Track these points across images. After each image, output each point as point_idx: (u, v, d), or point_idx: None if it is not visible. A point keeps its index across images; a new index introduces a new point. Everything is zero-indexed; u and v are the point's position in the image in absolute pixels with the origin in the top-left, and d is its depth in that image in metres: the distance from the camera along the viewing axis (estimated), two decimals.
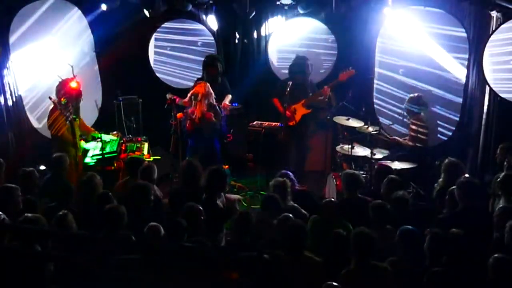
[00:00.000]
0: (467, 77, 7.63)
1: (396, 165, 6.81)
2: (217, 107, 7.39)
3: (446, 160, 5.98)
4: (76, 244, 4.18)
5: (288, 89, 7.48)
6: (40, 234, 4.40)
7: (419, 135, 7.45)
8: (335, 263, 4.48)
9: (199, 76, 8.18)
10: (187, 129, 7.22)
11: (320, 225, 5.13)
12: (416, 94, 7.62)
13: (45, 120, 7.10)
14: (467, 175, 5.56)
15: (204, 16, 8.72)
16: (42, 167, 7.16)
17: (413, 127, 7.50)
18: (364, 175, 6.91)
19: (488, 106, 7.39)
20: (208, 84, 7.31)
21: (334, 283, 3.89)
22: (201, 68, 8.27)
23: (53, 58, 7.90)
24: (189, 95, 7.31)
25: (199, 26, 8.87)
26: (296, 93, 7.66)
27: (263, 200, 5.55)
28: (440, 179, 5.96)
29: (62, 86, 6.69)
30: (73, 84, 6.64)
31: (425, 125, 7.55)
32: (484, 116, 7.46)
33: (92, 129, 7.31)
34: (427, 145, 7.61)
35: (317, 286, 3.99)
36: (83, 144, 7.01)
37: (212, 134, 7.37)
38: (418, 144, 7.43)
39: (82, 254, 4.21)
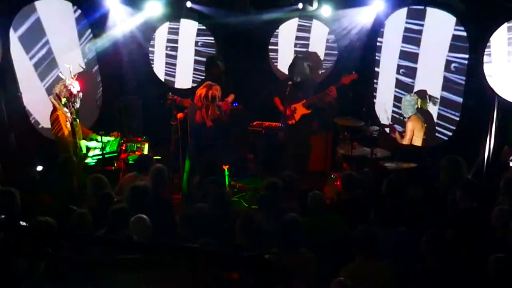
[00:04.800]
0: (467, 76, 7.63)
1: (396, 165, 6.81)
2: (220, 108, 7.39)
3: (445, 158, 5.92)
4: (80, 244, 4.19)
5: (288, 89, 7.48)
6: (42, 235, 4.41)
7: (417, 135, 7.45)
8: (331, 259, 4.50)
9: (199, 76, 8.18)
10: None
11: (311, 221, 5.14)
12: (412, 94, 7.63)
13: (46, 120, 7.11)
14: (468, 177, 5.53)
15: (204, 16, 8.73)
16: (40, 168, 7.16)
17: (410, 127, 7.50)
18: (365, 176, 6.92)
19: (488, 106, 7.39)
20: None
21: (342, 279, 3.90)
22: (201, 68, 8.25)
23: (53, 58, 7.90)
24: (201, 95, 6.97)
25: (199, 26, 8.87)
26: (296, 93, 7.66)
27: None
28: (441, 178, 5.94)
29: (65, 85, 6.71)
30: (76, 85, 6.70)
31: (424, 125, 7.55)
32: (484, 116, 7.45)
33: (90, 131, 7.27)
34: (426, 145, 7.61)
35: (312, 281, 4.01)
36: (85, 142, 6.99)
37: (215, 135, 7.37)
38: (416, 144, 7.43)
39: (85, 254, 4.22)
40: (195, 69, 8.95)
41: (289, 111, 7.71)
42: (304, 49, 8.65)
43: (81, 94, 6.79)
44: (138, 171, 6.16)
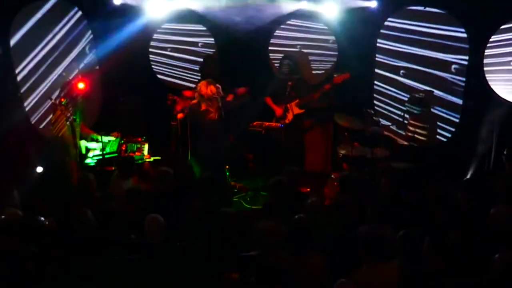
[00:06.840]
0: (468, 77, 7.63)
1: (395, 165, 6.82)
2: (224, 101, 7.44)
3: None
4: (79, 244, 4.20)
5: (288, 89, 7.52)
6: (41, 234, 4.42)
7: (416, 135, 7.46)
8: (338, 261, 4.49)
9: (199, 77, 8.18)
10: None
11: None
12: (417, 95, 7.62)
13: (46, 121, 7.12)
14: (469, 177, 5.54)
15: (204, 16, 8.73)
16: (40, 169, 7.16)
17: (411, 127, 7.51)
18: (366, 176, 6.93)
19: (489, 107, 7.39)
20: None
21: (344, 280, 3.88)
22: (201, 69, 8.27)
23: (54, 59, 7.91)
24: (201, 92, 7.09)
25: (200, 27, 8.88)
26: (290, 92, 7.70)
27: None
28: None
29: (66, 85, 6.71)
30: (80, 85, 6.67)
31: (423, 126, 7.56)
32: (484, 117, 7.46)
33: (92, 131, 7.28)
34: (425, 146, 7.61)
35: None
36: (85, 143, 7.00)
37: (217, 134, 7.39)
38: (416, 144, 7.44)
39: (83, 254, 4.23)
40: (195, 70, 8.95)
41: (282, 110, 7.76)
42: (305, 50, 8.65)
43: (83, 94, 6.79)
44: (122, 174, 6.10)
